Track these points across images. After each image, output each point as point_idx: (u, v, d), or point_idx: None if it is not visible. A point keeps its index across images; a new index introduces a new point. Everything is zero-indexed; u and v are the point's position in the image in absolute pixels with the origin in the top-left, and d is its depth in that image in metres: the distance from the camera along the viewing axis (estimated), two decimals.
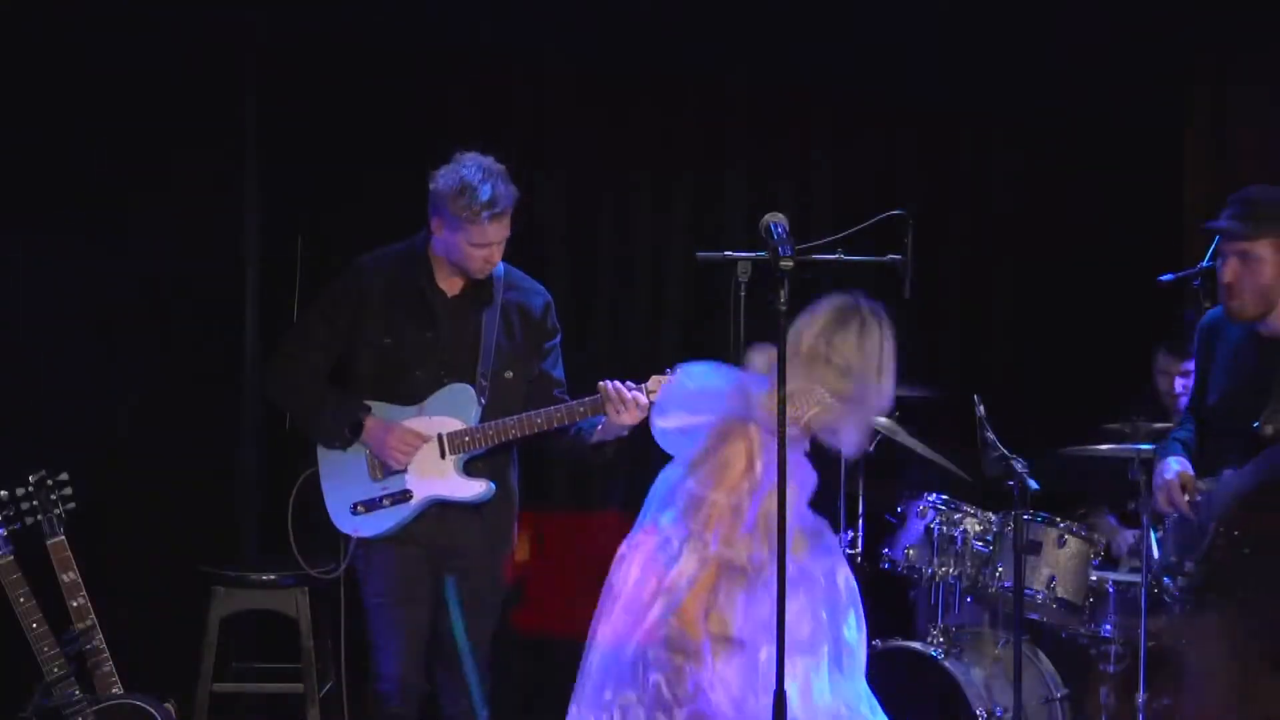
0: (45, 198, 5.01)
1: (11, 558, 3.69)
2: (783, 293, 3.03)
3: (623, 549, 3.28)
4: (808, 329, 3.25)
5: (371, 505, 3.93)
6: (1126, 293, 5.71)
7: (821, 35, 5.67)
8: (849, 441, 3.29)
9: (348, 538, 3.95)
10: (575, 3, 5.44)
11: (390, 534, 3.94)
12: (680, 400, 3.33)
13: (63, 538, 3.75)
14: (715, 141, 5.76)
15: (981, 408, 4.39)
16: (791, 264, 3.06)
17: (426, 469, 3.93)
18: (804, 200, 5.62)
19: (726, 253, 4.22)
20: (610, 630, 3.18)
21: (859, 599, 3.31)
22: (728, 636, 3.10)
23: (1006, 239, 5.93)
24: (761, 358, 3.26)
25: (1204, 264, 4.35)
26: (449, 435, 3.93)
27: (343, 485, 3.95)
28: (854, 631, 3.25)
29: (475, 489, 3.96)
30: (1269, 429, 3.51)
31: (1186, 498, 3.70)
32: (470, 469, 3.97)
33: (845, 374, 3.19)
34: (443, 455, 3.93)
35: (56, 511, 3.75)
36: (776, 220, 3.16)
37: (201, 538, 5.05)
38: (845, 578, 3.28)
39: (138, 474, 5.04)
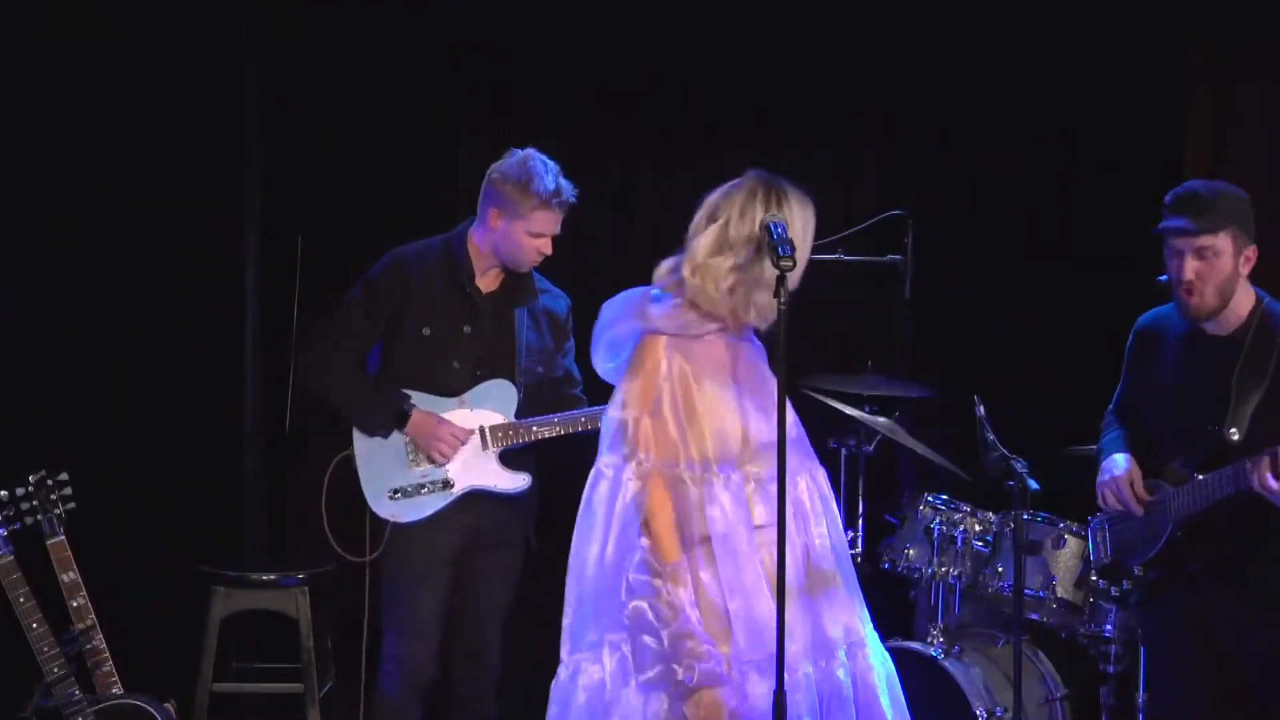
0: (46, 198, 5.01)
1: (11, 558, 3.69)
2: (783, 293, 3.04)
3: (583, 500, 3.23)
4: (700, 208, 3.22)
5: (411, 492, 4.01)
6: (1125, 293, 5.72)
7: (820, 30, 5.68)
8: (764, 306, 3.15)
9: (383, 523, 4.00)
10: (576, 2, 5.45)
11: (427, 521, 4.00)
12: (600, 340, 3.29)
13: (63, 538, 3.76)
14: (715, 141, 5.75)
15: (981, 408, 4.39)
16: (792, 264, 3.06)
17: (468, 460, 4.04)
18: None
19: None
20: (579, 561, 3.14)
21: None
22: (700, 539, 3.05)
23: (1007, 239, 5.93)
24: (660, 269, 3.25)
25: None
26: (491, 428, 4.04)
27: (380, 471, 4.02)
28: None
29: (516, 481, 4.08)
30: (1235, 433, 3.50)
31: (1136, 495, 3.69)
32: (505, 461, 4.06)
33: (729, 235, 3.14)
34: (485, 447, 4.02)
35: (56, 511, 3.76)
36: (777, 220, 3.17)
37: (201, 538, 5.05)
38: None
39: (138, 474, 5.04)
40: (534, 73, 5.63)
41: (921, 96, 5.77)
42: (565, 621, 3.16)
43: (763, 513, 3.07)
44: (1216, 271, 3.54)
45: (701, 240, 3.16)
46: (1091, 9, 5.72)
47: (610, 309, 3.29)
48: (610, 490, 3.12)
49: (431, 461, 4.02)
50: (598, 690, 3.05)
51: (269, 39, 5.35)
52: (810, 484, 3.22)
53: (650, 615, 2.98)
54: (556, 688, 3.15)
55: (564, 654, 3.16)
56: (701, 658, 2.94)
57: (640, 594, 3.00)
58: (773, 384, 3.09)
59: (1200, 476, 3.55)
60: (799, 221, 3.18)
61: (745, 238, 3.13)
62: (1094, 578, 4.32)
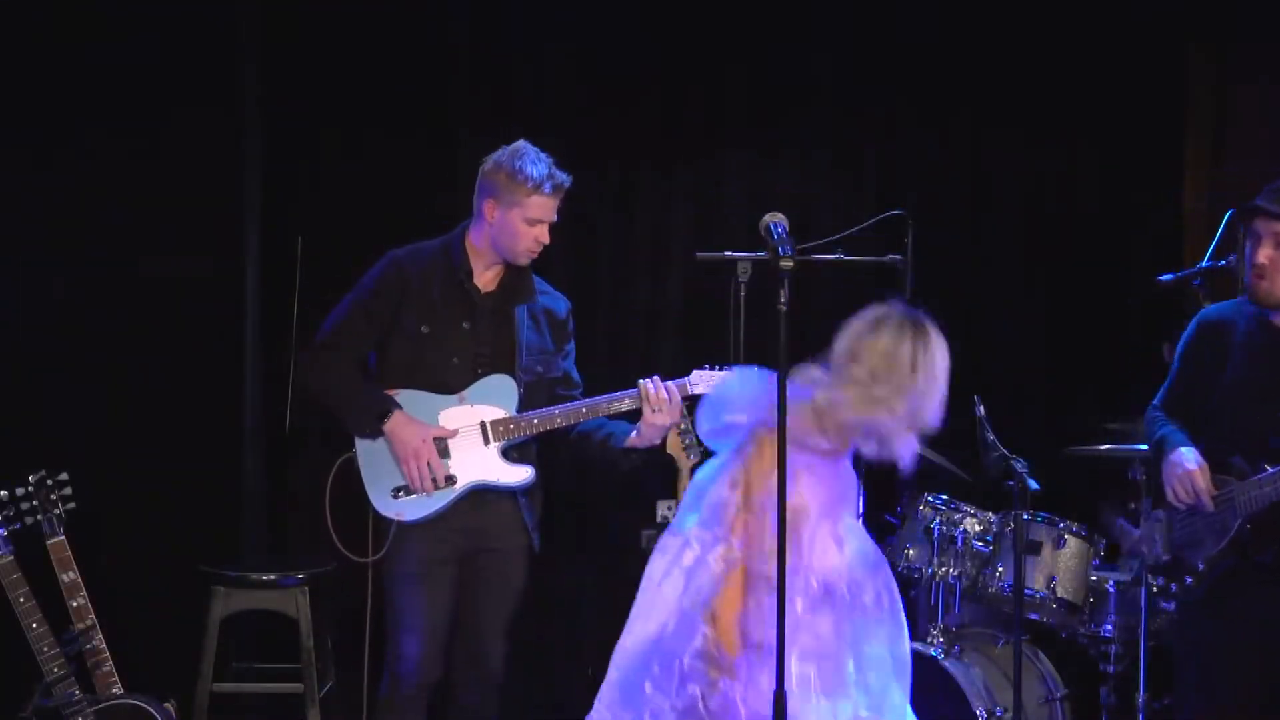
0: (46, 197, 5.01)
1: (11, 558, 3.69)
2: (783, 293, 3.04)
3: (658, 545, 3.29)
4: (843, 335, 3.23)
5: (413, 490, 3.99)
6: (1125, 293, 5.72)
7: (820, 30, 5.68)
8: (901, 452, 3.19)
9: (388, 522, 4.00)
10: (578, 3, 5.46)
11: (432, 518, 4.00)
12: (725, 400, 3.31)
13: (63, 538, 3.76)
14: (715, 141, 5.76)
15: (981, 408, 4.39)
16: (792, 264, 3.06)
17: (470, 455, 4.03)
18: (804, 200, 5.62)
19: (727, 253, 4.24)
20: (641, 627, 3.19)
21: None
22: (759, 644, 3.11)
23: (1007, 239, 5.93)
24: (806, 373, 3.24)
25: (1204, 264, 4.35)
26: (492, 422, 4.04)
27: (383, 470, 4.01)
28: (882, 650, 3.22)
29: (519, 474, 4.07)
30: None
31: (1206, 489, 3.66)
32: (507, 457, 4.07)
33: (874, 379, 3.15)
34: (486, 442, 4.02)
35: (56, 511, 3.76)
36: (777, 220, 3.18)
37: (201, 538, 5.05)
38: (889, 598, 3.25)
39: (138, 474, 5.04)
40: (534, 73, 5.63)
41: (921, 96, 5.77)
42: (611, 675, 3.20)
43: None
44: None
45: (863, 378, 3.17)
46: (1091, 9, 5.73)
47: (749, 380, 3.29)
48: (695, 561, 3.15)
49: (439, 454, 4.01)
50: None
51: (269, 39, 5.35)
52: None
53: (701, 705, 3.05)
54: None
55: (601, 705, 3.20)
56: None
57: (696, 681, 3.07)
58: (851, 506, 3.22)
59: (1270, 469, 3.54)
60: (940, 361, 3.18)
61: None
62: (1159, 578, 4.25)
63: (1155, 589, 4.38)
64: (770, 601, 3.00)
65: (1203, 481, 3.64)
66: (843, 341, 3.22)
